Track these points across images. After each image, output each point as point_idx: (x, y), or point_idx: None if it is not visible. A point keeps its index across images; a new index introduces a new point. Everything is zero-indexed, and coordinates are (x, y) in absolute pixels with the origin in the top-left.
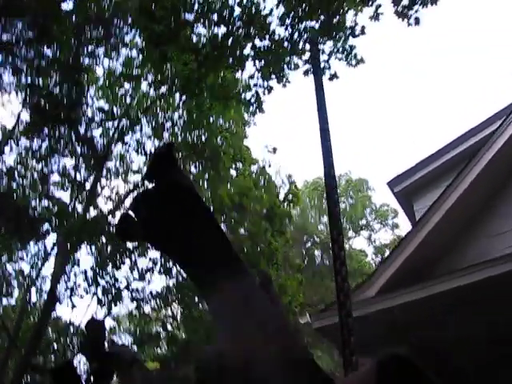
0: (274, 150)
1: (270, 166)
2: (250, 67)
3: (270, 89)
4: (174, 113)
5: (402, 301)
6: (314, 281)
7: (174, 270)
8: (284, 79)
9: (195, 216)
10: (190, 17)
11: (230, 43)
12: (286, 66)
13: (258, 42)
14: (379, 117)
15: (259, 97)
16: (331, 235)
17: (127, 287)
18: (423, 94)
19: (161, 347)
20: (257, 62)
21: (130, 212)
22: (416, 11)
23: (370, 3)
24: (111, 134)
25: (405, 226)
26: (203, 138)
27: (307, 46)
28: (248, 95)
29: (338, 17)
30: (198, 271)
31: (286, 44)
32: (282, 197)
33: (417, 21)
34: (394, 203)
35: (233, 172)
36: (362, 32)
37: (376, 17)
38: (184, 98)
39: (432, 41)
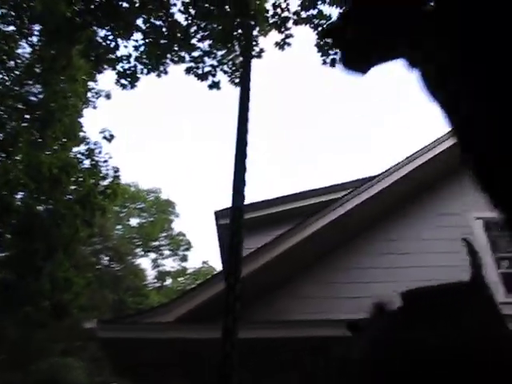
0: (111, 136)
1: (100, 152)
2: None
3: (150, 69)
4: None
5: (197, 336)
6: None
7: None
8: (162, 68)
9: None
10: None
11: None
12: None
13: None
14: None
15: (136, 71)
16: (229, 265)
17: None
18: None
19: None
20: (146, 38)
21: None
22: (336, 53)
23: (283, 29)
24: None
25: (196, 260)
26: (40, 96)
27: (200, 44)
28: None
29: (239, 30)
30: None
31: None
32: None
33: (333, 63)
34: (197, 234)
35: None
36: (259, 55)
37: (282, 45)
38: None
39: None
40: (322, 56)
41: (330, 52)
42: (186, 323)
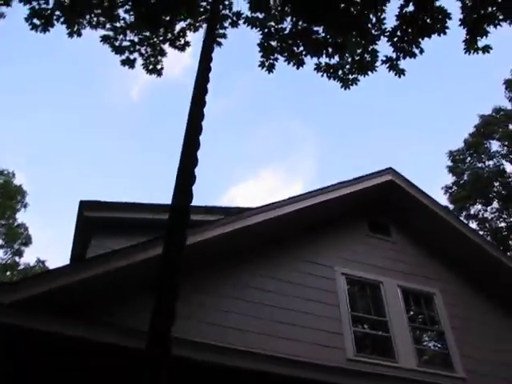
0: None
1: None
2: None
3: (66, 20)
4: None
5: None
6: None
7: None
8: (76, 27)
9: None
10: None
11: None
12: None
13: None
14: None
15: (53, 15)
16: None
17: None
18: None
19: None
20: None
21: None
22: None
23: (218, 27)
24: None
25: (32, 258)
26: None
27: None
28: None
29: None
30: None
31: None
32: None
33: (270, 67)
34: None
35: None
36: (183, 48)
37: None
38: None
39: None
40: (262, 57)
41: (271, 57)
42: (26, 309)
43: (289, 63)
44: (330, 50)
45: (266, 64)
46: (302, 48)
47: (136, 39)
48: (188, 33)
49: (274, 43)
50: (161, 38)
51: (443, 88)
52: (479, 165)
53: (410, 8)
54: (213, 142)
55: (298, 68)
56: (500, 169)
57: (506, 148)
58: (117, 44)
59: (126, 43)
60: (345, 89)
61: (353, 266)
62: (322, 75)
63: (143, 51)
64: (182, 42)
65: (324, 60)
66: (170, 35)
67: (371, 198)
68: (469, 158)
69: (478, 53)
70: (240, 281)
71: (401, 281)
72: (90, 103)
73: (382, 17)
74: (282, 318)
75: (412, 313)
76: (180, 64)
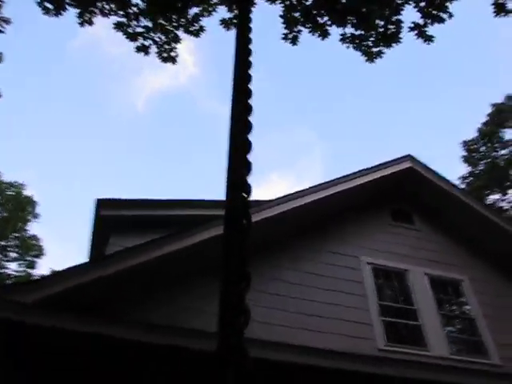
0: None
1: None
2: None
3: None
4: None
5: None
6: None
7: None
8: (88, 16)
9: None
10: None
11: None
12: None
13: None
14: None
15: None
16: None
17: None
18: None
19: None
20: None
21: None
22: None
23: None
24: None
25: (45, 269)
26: None
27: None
28: None
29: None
30: None
31: None
32: None
33: (294, 39)
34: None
35: None
36: (197, 33)
37: (228, 24)
38: None
39: None
40: (285, 28)
41: (295, 29)
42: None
43: (313, 34)
44: (355, 20)
45: (290, 36)
46: (326, 18)
47: (150, 25)
48: (202, 18)
49: (296, 14)
50: (174, 24)
51: (452, 79)
52: (494, 154)
53: None
54: (222, 147)
55: (323, 39)
56: None
57: None
58: (130, 31)
59: (139, 29)
60: (370, 62)
61: (378, 255)
62: (348, 46)
63: (157, 38)
64: (197, 27)
65: (349, 30)
66: (183, 21)
67: (391, 186)
68: (483, 148)
69: (507, 15)
70: (264, 274)
71: (427, 268)
72: (96, 113)
73: None
74: (309, 310)
75: (440, 301)
76: (185, 72)
